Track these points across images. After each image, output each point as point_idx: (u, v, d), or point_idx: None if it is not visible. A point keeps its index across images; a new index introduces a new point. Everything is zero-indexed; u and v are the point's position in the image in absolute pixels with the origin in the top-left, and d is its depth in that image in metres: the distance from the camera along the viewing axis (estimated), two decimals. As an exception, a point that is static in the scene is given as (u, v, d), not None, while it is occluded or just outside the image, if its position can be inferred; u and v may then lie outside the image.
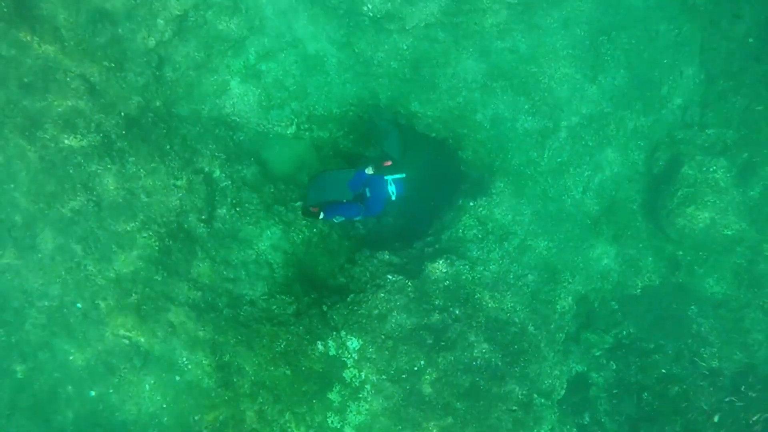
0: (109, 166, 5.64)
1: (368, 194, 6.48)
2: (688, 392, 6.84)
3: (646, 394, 6.76)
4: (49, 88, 5.64)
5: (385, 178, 6.45)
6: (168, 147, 6.03)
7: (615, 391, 6.92)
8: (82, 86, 5.71)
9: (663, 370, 6.69)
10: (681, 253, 6.99)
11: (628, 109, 6.85)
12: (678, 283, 6.95)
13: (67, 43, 5.61)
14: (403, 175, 6.52)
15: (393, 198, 6.44)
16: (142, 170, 5.85)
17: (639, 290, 7.06)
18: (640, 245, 7.03)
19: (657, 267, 7.03)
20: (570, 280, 6.74)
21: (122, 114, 5.80)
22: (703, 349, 6.79)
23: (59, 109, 5.63)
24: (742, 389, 6.59)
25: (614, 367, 7.13)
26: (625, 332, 7.17)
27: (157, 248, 5.87)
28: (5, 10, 5.26)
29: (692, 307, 6.84)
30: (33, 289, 5.67)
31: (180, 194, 5.97)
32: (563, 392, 6.66)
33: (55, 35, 5.56)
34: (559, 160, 6.88)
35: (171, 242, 5.91)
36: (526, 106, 6.77)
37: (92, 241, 5.75)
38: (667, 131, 6.99)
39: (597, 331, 7.27)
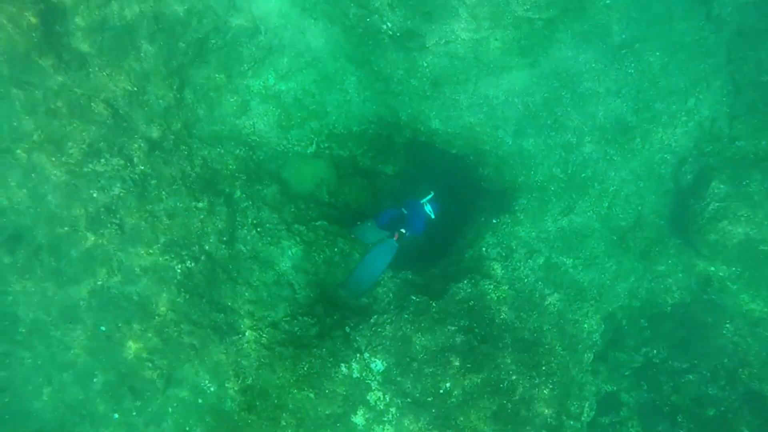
0: (131, 189, 5.67)
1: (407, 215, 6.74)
2: (726, 415, 6.58)
3: (680, 417, 6.52)
4: (74, 113, 5.71)
5: (421, 202, 6.81)
6: (189, 169, 6.05)
7: (647, 413, 6.68)
8: (105, 111, 5.77)
9: (698, 392, 6.44)
10: (713, 269, 6.77)
11: (653, 123, 6.70)
12: (710, 300, 6.72)
13: (92, 68, 5.67)
14: (432, 194, 6.85)
15: (432, 216, 6.77)
16: (163, 192, 5.86)
17: (669, 308, 6.85)
18: (670, 261, 6.83)
19: (687, 283, 6.82)
20: (597, 298, 6.56)
21: (145, 137, 5.83)
22: (741, 370, 6.53)
23: (83, 134, 5.69)
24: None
25: (645, 387, 6.91)
26: (655, 351, 6.95)
27: (179, 271, 5.86)
28: (35, 38, 5.34)
29: (727, 324, 6.60)
30: (57, 312, 5.69)
31: (201, 216, 5.96)
32: (593, 414, 6.47)
33: (81, 62, 5.63)
34: (583, 175, 6.75)
35: (193, 265, 5.89)
36: (549, 121, 6.66)
37: (115, 263, 5.76)
38: (695, 144, 6.82)
39: (626, 350, 7.07)
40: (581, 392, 6.32)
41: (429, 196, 6.81)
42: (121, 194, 5.64)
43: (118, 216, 5.68)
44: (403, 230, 6.48)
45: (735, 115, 6.82)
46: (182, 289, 5.87)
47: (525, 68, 6.57)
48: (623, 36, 6.59)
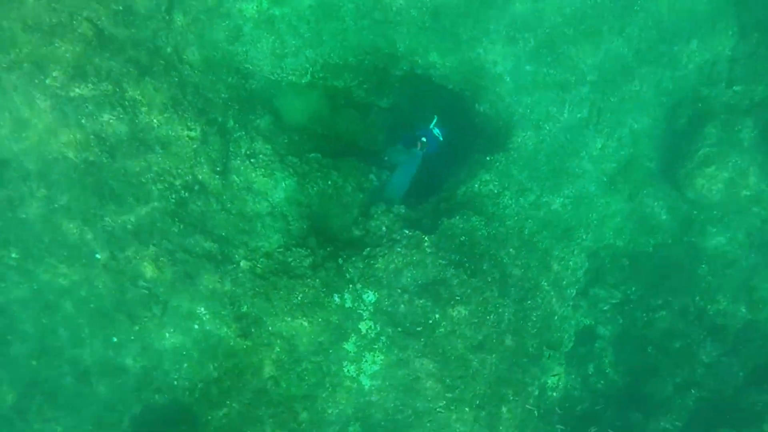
0: (122, 116, 5.51)
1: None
2: (690, 347, 7.04)
3: (650, 348, 6.96)
4: (55, 31, 5.42)
5: (429, 127, 7.07)
6: (181, 96, 5.87)
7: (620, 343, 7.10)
8: (89, 31, 5.49)
9: (669, 326, 6.84)
10: (695, 212, 6.98)
11: (653, 64, 6.64)
12: (690, 242, 6.98)
13: (73, -17, 5.33)
14: (436, 118, 7.09)
15: (441, 139, 7.07)
16: (155, 120, 5.72)
17: (651, 248, 7.11)
18: (655, 204, 7.01)
19: (671, 226, 7.04)
20: (584, 237, 6.77)
21: (133, 61, 5.60)
22: (709, 306, 6.92)
23: (67, 55, 5.43)
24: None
25: (621, 321, 7.30)
26: (633, 288, 7.28)
27: (173, 200, 5.84)
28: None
29: (703, 265, 6.91)
30: (51, 239, 5.69)
31: (194, 145, 5.87)
32: (571, 345, 6.86)
33: (61, -25, 5.28)
34: (579, 115, 6.73)
35: (187, 194, 5.87)
36: (549, 59, 6.54)
37: (107, 192, 5.70)
38: (693, 87, 6.80)
39: (606, 287, 7.38)
40: (562, 324, 6.67)
41: (434, 121, 7.06)
42: (111, 121, 5.49)
43: (107, 144, 5.55)
44: (423, 139, 6.93)
45: (735, 59, 6.77)
46: (176, 219, 5.87)
47: (528, 2, 6.35)
48: (632, -30, 6.36)
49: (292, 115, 7.26)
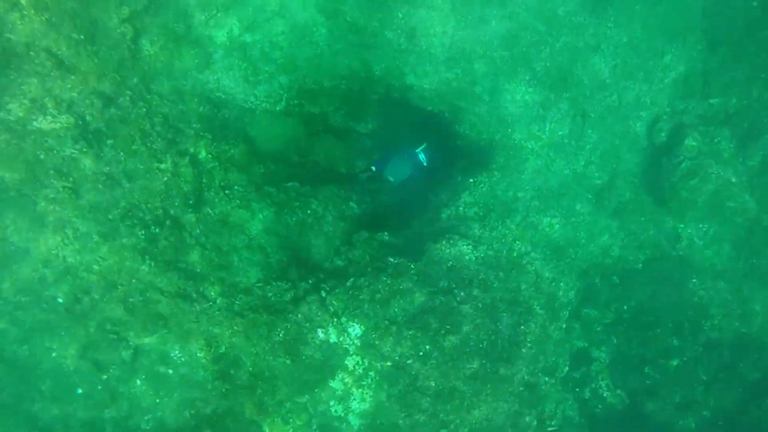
0: (85, 150, 5.19)
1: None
2: (688, 364, 6.86)
3: (647, 368, 6.75)
4: (10, 63, 5.12)
5: (416, 150, 6.97)
6: (149, 127, 5.59)
7: (616, 366, 6.89)
8: (48, 61, 5.20)
9: (664, 344, 6.67)
10: (682, 226, 6.90)
11: (630, 79, 6.63)
12: (679, 256, 6.88)
13: (27, 11, 5.05)
14: (425, 144, 6.98)
15: (425, 164, 6.92)
16: (122, 153, 5.41)
17: (640, 264, 6.98)
18: (642, 219, 6.92)
19: (658, 240, 6.94)
20: (573, 257, 6.61)
21: (97, 93, 5.31)
22: (703, 321, 6.78)
23: (23, 87, 5.12)
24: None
25: (615, 341, 7.10)
26: (625, 306, 7.11)
27: (142, 237, 5.49)
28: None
29: (693, 279, 6.80)
30: (8, 285, 5.26)
31: (165, 178, 5.56)
32: (566, 369, 6.61)
33: (13, 3, 5.01)
34: (560, 133, 6.65)
35: (157, 230, 5.53)
36: (527, 77, 6.48)
37: (71, 230, 5.33)
38: (669, 101, 6.81)
39: (598, 307, 7.20)
40: (556, 349, 6.43)
41: (422, 146, 6.95)
42: (74, 155, 5.16)
43: (70, 179, 5.21)
44: (373, 168, 6.81)
45: (707, 72, 6.82)
46: (147, 256, 5.51)
47: (504, 20, 6.31)
48: (603, -12, 6.39)
49: (267, 144, 7.02)
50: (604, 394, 6.97)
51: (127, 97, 5.45)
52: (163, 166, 5.57)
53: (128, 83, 5.56)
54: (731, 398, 6.83)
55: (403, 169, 6.82)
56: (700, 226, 6.89)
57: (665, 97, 6.78)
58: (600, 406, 7.09)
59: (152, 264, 5.53)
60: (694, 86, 6.80)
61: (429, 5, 6.04)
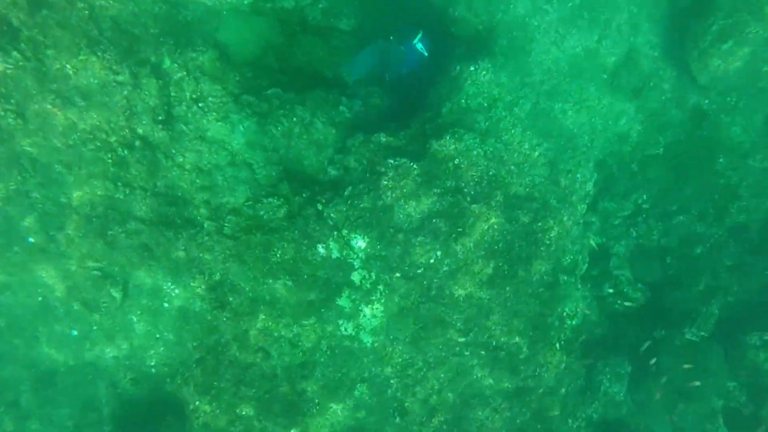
0: (20, 62, 4.45)
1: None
2: (712, 251, 6.47)
3: (669, 258, 6.36)
4: None
5: (413, 42, 6.39)
6: (96, 33, 4.80)
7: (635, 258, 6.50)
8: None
9: (687, 232, 6.23)
10: (707, 101, 6.23)
11: (649, -67, 5.70)
12: (704, 136, 6.27)
13: None
14: (420, 33, 6.38)
15: (426, 54, 6.39)
16: (68, 66, 4.68)
17: (662, 149, 6.39)
18: (663, 98, 6.24)
19: (681, 120, 6.30)
20: (589, 145, 6.01)
21: (25, -8, 4.49)
22: (730, 204, 6.30)
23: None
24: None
25: (635, 234, 6.67)
26: (645, 196, 6.61)
27: (110, 161, 4.89)
28: None
29: (720, 159, 6.23)
30: (-31, 227, 4.75)
31: (125, 92, 4.86)
32: (585, 267, 6.22)
33: None
34: (569, 4, 5.82)
35: (126, 152, 4.91)
36: (529, -61, 5.56)
37: (27, 162, 4.72)
38: (694, -44, 5.90)
39: (616, 198, 6.70)
40: (574, 246, 5.99)
41: (419, 35, 6.36)
42: (9, 71, 4.44)
43: (12, 101, 4.52)
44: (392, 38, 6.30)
45: None
46: (119, 183, 4.94)
47: None
48: None
49: (240, 49, 6.21)
50: (625, 289, 6.64)
51: (64, -3, 4.63)
52: (120, 78, 4.85)
53: (63, -19, 4.71)
54: (757, 282, 6.49)
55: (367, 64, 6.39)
56: (727, 99, 6.22)
57: (689, -50, 5.87)
58: (620, 302, 6.79)
59: (127, 191, 4.97)
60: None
61: None
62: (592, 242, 5.91)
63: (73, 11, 4.66)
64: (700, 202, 6.39)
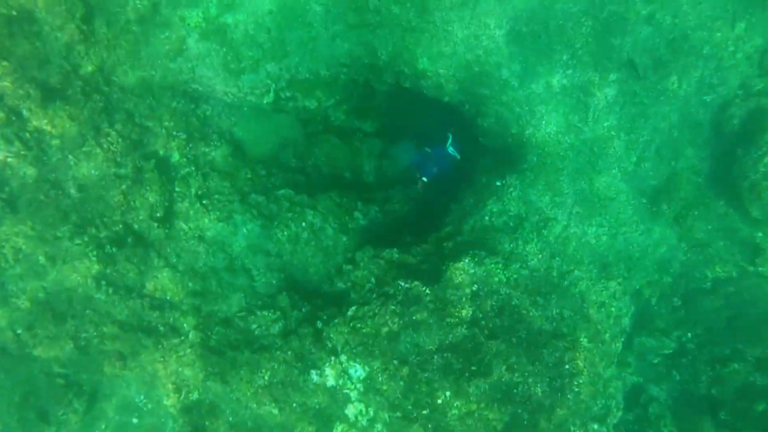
0: (22, 152, 4.25)
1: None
2: (774, 407, 5.53)
3: (723, 413, 5.46)
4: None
5: (446, 147, 6.51)
6: (106, 126, 4.62)
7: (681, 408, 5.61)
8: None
9: (744, 382, 5.37)
10: (760, 234, 5.61)
11: (691, 55, 5.41)
12: (759, 272, 5.58)
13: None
14: (450, 137, 6.51)
15: (458, 157, 6.50)
16: (70, 156, 4.46)
17: (709, 283, 5.71)
18: (709, 227, 5.66)
19: (731, 254, 5.66)
20: (625, 275, 5.39)
21: (37, 81, 4.38)
22: (793, 354, 5.47)
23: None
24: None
25: (678, 377, 5.82)
26: (690, 334, 5.84)
27: (95, 258, 4.51)
28: None
29: (779, 302, 5.50)
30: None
31: (123, 186, 4.58)
32: (620, 414, 5.36)
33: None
34: (606, 124, 5.47)
35: (115, 250, 4.54)
36: (565, 57, 5.33)
37: (9, 251, 4.38)
38: (742, 82, 5.55)
39: (654, 334, 5.96)
40: (606, 389, 5.20)
41: (449, 140, 6.47)
42: (9, 160, 4.22)
43: (6, 190, 4.27)
44: (424, 179, 6.38)
45: (790, 46, 5.55)
46: (103, 282, 4.53)
47: (535, -11, 5.19)
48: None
49: (257, 145, 6.02)
50: (668, 445, 5.69)
51: (78, 89, 4.50)
52: (122, 171, 4.59)
53: (81, 72, 4.61)
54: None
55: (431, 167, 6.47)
56: (784, 234, 5.58)
57: (736, 76, 5.53)
58: (662, 457, 5.81)
59: (110, 291, 4.54)
60: (773, 63, 5.53)
61: (443, -28, 4.97)
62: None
63: (87, 103, 4.51)
64: (757, 348, 5.57)
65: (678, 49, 5.37)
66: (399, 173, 6.95)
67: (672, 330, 5.90)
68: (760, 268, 5.60)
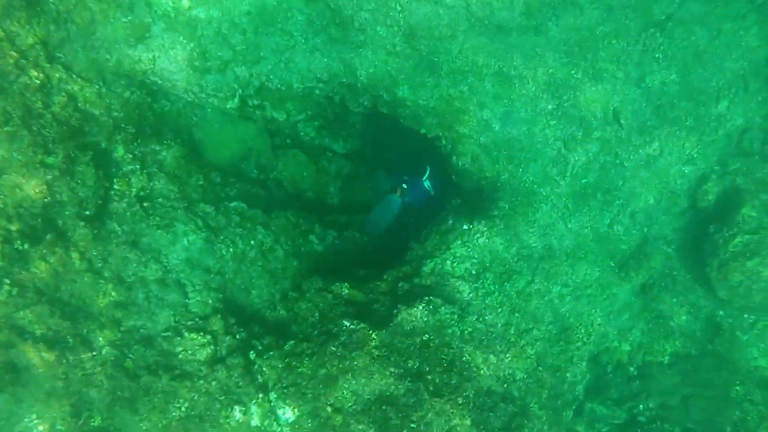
0: (-67, 122, 3.71)
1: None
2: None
3: (668, 497, 5.20)
4: None
5: (422, 180, 6.35)
6: (40, 106, 4.12)
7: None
8: None
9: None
10: (721, 313, 5.47)
11: (676, 125, 5.30)
12: (717, 352, 5.42)
13: None
14: (429, 169, 6.36)
15: (432, 193, 6.35)
16: (-9, 135, 3.93)
17: (667, 357, 5.50)
18: (674, 300, 5.49)
19: (692, 329, 5.48)
20: (585, 340, 5.12)
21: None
22: (745, 443, 5.27)
23: None
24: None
25: (626, 452, 5.55)
26: (642, 407, 5.59)
27: (5, 252, 3.95)
28: None
29: (737, 387, 5.31)
30: None
31: (48, 176, 4.07)
32: (563, 487, 5.03)
33: None
34: (584, 180, 5.28)
35: (27, 245, 4.00)
36: (551, 106, 5.14)
37: None
38: (719, 158, 5.47)
39: (607, 403, 5.68)
40: (552, 459, 4.86)
41: (427, 173, 6.34)
42: None
43: None
44: (404, 186, 6.20)
45: (769, 129, 5.52)
46: (4, 281, 3.97)
47: (528, 33, 5.01)
48: (653, 12, 5.13)
49: (217, 151, 5.60)
50: None
51: (11, 61, 4.00)
52: (50, 159, 4.08)
53: (18, 43, 4.12)
54: None
55: (389, 214, 6.15)
56: (745, 316, 5.45)
57: (715, 151, 5.46)
58: None
59: (14, 291, 3.97)
60: (752, 144, 5.48)
61: (437, 0, 4.73)
62: None
63: (19, 77, 4.02)
64: (711, 430, 5.36)
65: (663, 116, 5.25)
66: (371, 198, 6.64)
67: (625, 400, 5.64)
68: (718, 348, 5.44)
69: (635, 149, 5.23)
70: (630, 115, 5.18)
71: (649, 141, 5.24)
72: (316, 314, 4.37)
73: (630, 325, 5.57)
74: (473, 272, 4.85)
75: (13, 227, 3.94)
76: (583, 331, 5.13)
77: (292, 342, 4.29)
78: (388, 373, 4.07)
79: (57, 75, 4.31)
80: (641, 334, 5.55)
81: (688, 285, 5.50)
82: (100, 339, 4.26)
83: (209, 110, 5.47)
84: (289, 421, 4.12)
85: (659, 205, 5.49)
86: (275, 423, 4.14)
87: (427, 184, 6.33)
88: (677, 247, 5.52)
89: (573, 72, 5.06)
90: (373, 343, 4.11)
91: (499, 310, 4.74)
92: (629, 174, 5.32)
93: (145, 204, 4.62)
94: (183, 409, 4.11)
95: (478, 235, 5.00)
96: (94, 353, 4.18)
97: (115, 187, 4.54)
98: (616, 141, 5.21)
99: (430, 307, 4.34)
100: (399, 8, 4.78)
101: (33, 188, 4.00)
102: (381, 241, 5.95)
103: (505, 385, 4.46)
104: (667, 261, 5.49)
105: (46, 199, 4.10)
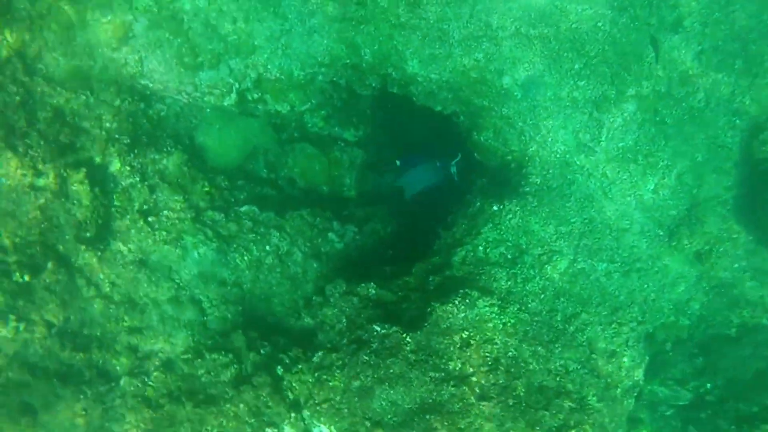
0: None
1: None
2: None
3: (747, 478, 4.75)
4: None
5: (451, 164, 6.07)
6: (23, 123, 3.81)
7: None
8: None
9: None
10: (792, 275, 4.93)
11: (723, 70, 4.73)
12: (790, 319, 4.89)
13: None
14: (460, 156, 6.01)
15: (456, 179, 6.05)
16: (-26, 162, 3.64)
17: (734, 330, 5.00)
18: (736, 265, 4.95)
19: (760, 297, 4.96)
20: (639, 319, 4.66)
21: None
22: (826, 414, 4.76)
23: None
24: None
25: (694, 433, 5.10)
26: (710, 385, 5.12)
27: (5, 287, 3.69)
28: None
29: (814, 355, 4.80)
30: None
31: (42, 199, 3.77)
32: (629, 479, 4.62)
33: None
34: (621, 144, 4.77)
35: (27, 278, 3.72)
36: (577, 66, 4.63)
37: None
38: (776, 103, 4.88)
39: (668, 383, 5.22)
40: (615, 451, 4.45)
41: (457, 158, 6.00)
42: None
43: None
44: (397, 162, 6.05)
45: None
46: (11, 317, 3.70)
47: (545, -15, 4.48)
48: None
49: (222, 153, 5.24)
50: None
51: (-15, 80, 3.70)
52: (40, 181, 3.78)
53: (-6, 60, 3.81)
54: None
55: (420, 183, 6.02)
56: (818, 276, 4.90)
57: (770, 97, 4.86)
58: None
59: (19, 327, 3.71)
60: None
61: (440, -40, 4.24)
62: None
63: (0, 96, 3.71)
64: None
65: (708, 61, 4.69)
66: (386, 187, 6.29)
67: (689, 380, 5.17)
68: (792, 315, 4.91)
69: (676, 103, 4.68)
70: (668, 63, 4.63)
71: (693, 91, 4.69)
72: (344, 320, 4.00)
73: (687, 297, 5.07)
74: (509, 257, 4.41)
75: (10, 259, 3.66)
76: (636, 309, 4.67)
77: (320, 353, 3.94)
78: (428, 378, 3.70)
79: (39, 89, 3.99)
80: (701, 306, 5.05)
81: (750, 248, 4.95)
82: (118, 368, 3.99)
83: (207, 110, 5.10)
84: (326, 438, 3.79)
85: (708, 162, 4.94)
86: (311, 442, 3.82)
87: (453, 170, 6.02)
88: (733, 207, 4.97)
89: (600, 24, 4.52)
90: (408, 347, 3.73)
91: (542, 296, 4.30)
92: (672, 131, 4.78)
93: (149, 219, 4.31)
94: (211, 435, 3.82)
95: (510, 215, 4.55)
96: (111, 384, 3.91)
97: (116, 203, 4.23)
98: (656, 96, 4.67)
99: (467, 300, 3.93)
100: (400, -26, 4.31)
101: (25, 214, 3.70)
102: (405, 227, 5.57)
103: (558, 379, 4.04)
104: (724, 224, 4.95)
105: (42, 225, 3.80)
